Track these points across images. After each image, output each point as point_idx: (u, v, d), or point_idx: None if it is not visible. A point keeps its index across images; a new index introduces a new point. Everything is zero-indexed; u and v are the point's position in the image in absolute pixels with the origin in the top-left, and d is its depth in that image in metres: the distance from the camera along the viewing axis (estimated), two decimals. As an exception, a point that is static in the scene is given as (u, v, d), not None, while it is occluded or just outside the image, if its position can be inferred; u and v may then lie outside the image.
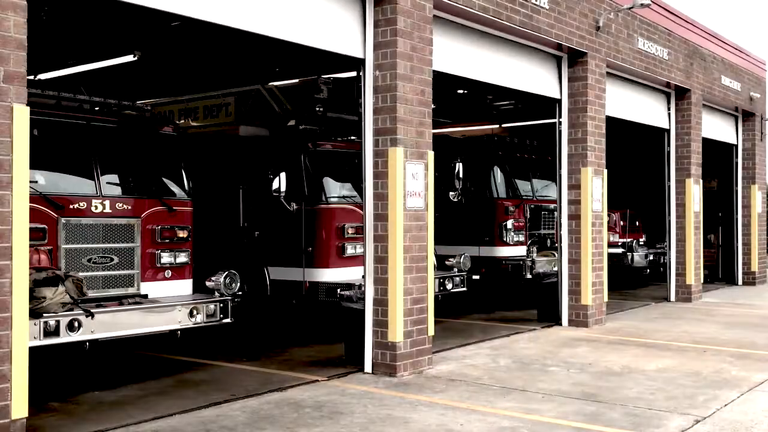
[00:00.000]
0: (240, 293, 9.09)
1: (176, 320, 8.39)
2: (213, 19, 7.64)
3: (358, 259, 10.21)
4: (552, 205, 15.21)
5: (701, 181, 17.24)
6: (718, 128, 19.42)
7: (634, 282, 19.73)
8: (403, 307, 8.93)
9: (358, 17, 9.05)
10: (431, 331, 9.41)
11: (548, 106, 13.07)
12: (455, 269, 12.38)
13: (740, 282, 20.66)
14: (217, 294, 8.82)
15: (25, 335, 5.82)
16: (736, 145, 20.60)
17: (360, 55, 9.08)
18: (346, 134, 12.70)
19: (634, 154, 20.62)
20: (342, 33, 8.92)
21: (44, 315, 7.09)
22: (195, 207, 9.63)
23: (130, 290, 8.57)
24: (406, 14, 9.02)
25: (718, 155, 20.25)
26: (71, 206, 8.14)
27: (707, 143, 18.10)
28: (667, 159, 16.81)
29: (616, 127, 14.64)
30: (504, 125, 19.18)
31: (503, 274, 15.13)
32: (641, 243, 19.42)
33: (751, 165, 20.67)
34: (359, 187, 9.30)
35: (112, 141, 8.97)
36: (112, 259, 8.45)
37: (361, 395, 7.97)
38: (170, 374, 8.95)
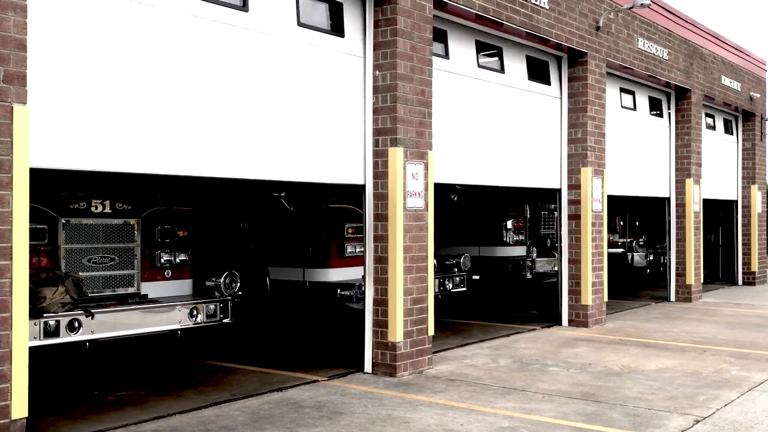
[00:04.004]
0: (240, 293, 9.09)
1: (176, 320, 8.38)
2: (223, 175, 7.74)
3: (359, 259, 10.21)
4: (552, 205, 15.22)
5: (701, 181, 17.24)
6: (719, 187, 19.55)
7: (634, 282, 19.74)
8: (403, 307, 8.93)
9: (361, 153, 9.10)
10: (431, 331, 9.41)
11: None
12: (455, 269, 12.38)
13: (740, 282, 20.66)
14: (217, 294, 8.82)
15: (25, 335, 5.82)
16: (737, 201, 20.65)
17: (360, 182, 9.14)
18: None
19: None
20: (345, 167, 8.98)
21: (44, 315, 7.09)
22: (194, 207, 9.63)
23: (130, 290, 8.57)
24: (406, 14, 9.02)
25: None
26: (71, 206, 8.14)
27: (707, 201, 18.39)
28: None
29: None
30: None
31: (503, 274, 15.14)
32: (641, 243, 19.43)
33: (751, 165, 20.67)
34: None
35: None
36: (112, 260, 8.45)
37: (361, 395, 7.97)
38: (170, 374, 8.95)
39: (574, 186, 12.80)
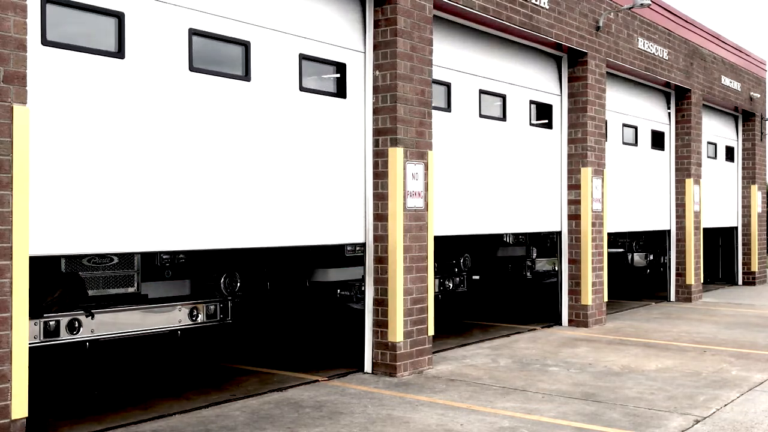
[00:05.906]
0: (240, 293, 9.08)
1: (176, 320, 8.39)
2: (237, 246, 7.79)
3: (359, 259, 10.21)
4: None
5: (701, 181, 17.25)
6: (720, 214, 19.67)
7: (634, 282, 19.73)
8: (403, 307, 8.93)
9: (362, 213, 9.12)
10: (431, 331, 9.41)
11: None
12: (455, 269, 12.37)
13: (740, 282, 20.67)
14: (217, 294, 8.83)
15: (25, 335, 5.82)
16: (736, 227, 20.71)
17: (362, 240, 9.15)
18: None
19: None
20: (347, 228, 9.01)
21: (44, 315, 7.09)
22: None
23: (130, 290, 8.57)
24: (406, 14, 9.02)
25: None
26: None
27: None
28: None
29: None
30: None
31: (503, 274, 15.13)
32: (641, 243, 19.42)
33: (751, 165, 20.68)
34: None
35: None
36: (112, 260, 8.45)
37: (361, 395, 7.97)
38: (170, 374, 8.95)
39: (574, 186, 12.81)
